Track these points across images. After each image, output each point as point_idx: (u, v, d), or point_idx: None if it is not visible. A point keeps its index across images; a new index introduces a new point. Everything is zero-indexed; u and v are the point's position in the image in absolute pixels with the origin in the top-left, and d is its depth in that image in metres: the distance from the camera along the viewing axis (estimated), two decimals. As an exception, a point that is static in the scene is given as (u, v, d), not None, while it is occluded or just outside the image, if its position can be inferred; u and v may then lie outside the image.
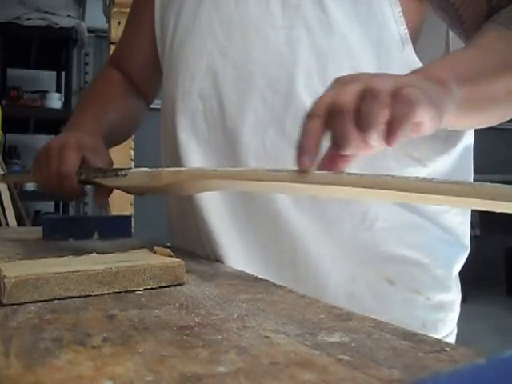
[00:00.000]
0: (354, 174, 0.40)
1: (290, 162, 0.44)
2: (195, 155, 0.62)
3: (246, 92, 0.59)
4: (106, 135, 0.73)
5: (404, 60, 0.57)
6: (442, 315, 0.61)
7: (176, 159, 0.63)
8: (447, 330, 0.62)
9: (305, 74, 0.57)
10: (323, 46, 0.57)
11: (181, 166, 0.61)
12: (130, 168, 0.55)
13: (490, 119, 0.54)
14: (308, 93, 0.57)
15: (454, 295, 0.63)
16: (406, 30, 0.57)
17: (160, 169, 0.51)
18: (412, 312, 0.59)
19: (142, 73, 0.82)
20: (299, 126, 0.42)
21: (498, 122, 0.55)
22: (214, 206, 0.60)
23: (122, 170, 0.54)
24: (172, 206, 0.70)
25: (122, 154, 1.31)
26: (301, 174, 0.41)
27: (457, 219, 0.62)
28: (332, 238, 0.58)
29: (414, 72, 0.46)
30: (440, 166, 0.60)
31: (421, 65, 0.56)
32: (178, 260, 0.43)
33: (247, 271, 0.52)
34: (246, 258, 0.59)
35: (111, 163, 0.68)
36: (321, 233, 0.58)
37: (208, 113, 0.62)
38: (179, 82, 0.65)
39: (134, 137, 1.26)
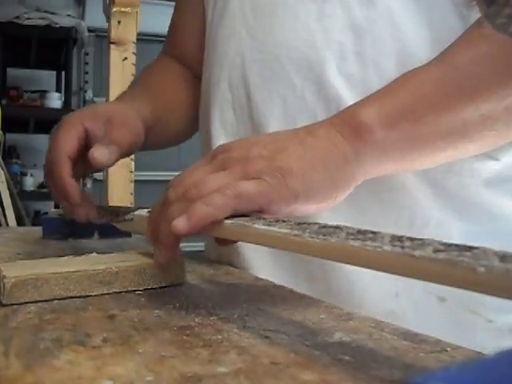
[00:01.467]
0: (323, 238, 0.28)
1: None
2: None
3: (272, 79, 0.53)
4: (154, 122, 0.62)
5: (463, 27, 0.45)
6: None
7: None
8: None
9: (338, 54, 0.50)
10: (361, 20, 0.50)
11: None
12: (136, 209, 0.54)
13: (470, 149, 0.45)
14: (342, 76, 0.50)
15: None
16: None
17: None
18: (467, 336, 0.45)
19: (197, 55, 0.68)
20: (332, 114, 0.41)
21: (492, 147, 0.47)
22: None
23: (128, 212, 0.54)
24: None
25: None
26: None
27: None
28: None
29: (336, 116, 0.42)
30: None
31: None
32: (178, 259, 0.43)
33: (275, 281, 0.47)
34: (274, 268, 0.53)
35: (132, 140, 0.56)
36: None
37: (236, 104, 0.56)
38: (212, 70, 0.59)
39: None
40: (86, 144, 0.55)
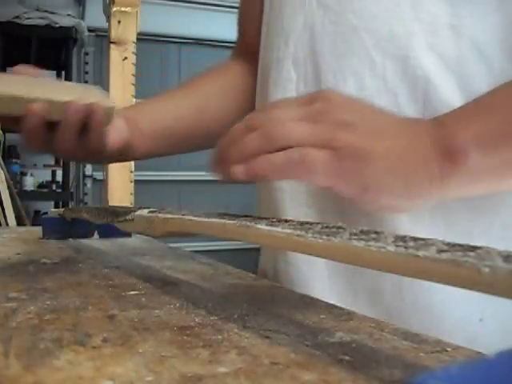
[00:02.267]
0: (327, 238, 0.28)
1: None
2: None
3: (346, 54, 0.46)
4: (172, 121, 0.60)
5: None
6: None
7: None
8: None
9: (428, 27, 0.43)
10: None
11: None
12: (136, 210, 0.54)
13: None
14: (432, 53, 0.43)
15: None
16: None
17: (155, 214, 0.48)
18: None
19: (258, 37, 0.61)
20: (419, 100, 0.37)
21: None
22: None
23: (129, 212, 0.54)
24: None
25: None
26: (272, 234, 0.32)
27: None
28: None
29: (436, 124, 0.36)
30: None
31: None
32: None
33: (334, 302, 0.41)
34: (332, 289, 0.48)
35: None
36: None
37: (301, 83, 0.49)
38: (274, 46, 0.53)
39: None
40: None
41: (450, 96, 0.43)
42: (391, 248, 0.24)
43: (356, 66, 0.46)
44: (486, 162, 0.35)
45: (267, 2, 0.56)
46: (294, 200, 0.49)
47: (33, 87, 0.48)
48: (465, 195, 0.39)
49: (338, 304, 0.39)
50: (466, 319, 0.44)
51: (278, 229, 0.31)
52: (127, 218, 0.54)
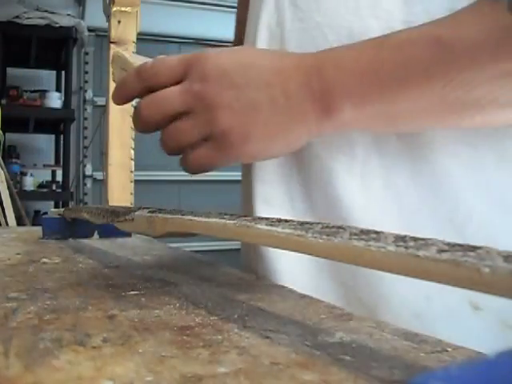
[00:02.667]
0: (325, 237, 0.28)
1: None
2: None
3: (311, 48, 0.47)
4: None
5: None
6: None
7: None
8: None
9: (384, 24, 0.44)
10: None
11: None
12: (137, 210, 0.54)
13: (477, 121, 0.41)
14: None
15: None
16: None
17: (155, 214, 0.48)
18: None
19: None
20: None
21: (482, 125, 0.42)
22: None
23: (129, 212, 0.54)
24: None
25: (122, 154, 1.31)
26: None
27: None
28: None
29: (316, 73, 0.39)
30: None
31: None
32: None
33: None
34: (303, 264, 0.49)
35: None
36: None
37: None
38: (249, 42, 0.55)
39: (133, 137, 1.25)
40: None
41: None
42: (391, 248, 0.24)
43: None
44: (362, 117, 0.39)
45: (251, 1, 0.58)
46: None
47: None
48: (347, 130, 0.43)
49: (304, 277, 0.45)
50: (413, 296, 0.45)
51: (278, 229, 0.31)
52: (127, 217, 0.54)
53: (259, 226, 0.33)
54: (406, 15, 0.44)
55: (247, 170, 0.53)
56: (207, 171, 0.44)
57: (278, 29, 0.51)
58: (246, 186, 0.54)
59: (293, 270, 0.49)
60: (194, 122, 0.41)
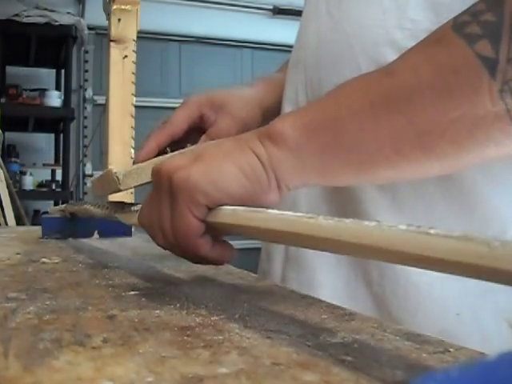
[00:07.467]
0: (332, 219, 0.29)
1: None
2: None
3: (342, 61, 0.49)
4: None
5: None
6: None
7: None
8: None
9: (410, 34, 0.44)
10: None
11: None
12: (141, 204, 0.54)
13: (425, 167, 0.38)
14: None
15: None
16: None
17: None
18: None
19: None
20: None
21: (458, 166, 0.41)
22: None
23: (136, 204, 0.54)
24: None
25: (122, 153, 1.31)
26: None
27: None
28: None
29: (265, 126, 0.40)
30: None
31: None
32: None
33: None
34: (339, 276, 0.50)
35: (239, 128, 0.55)
36: None
37: (308, 85, 0.53)
38: (294, 49, 0.57)
39: (134, 136, 1.25)
40: (199, 127, 0.56)
41: None
42: (402, 227, 0.25)
43: (347, 72, 0.47)
44: (308, 146, 0.37)
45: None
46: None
47: None
48: (307, 182, 0.40)
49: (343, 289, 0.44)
50: (442, 312, 0.45)
51: (289, 213, 0.32)
52: (132, 209, 0.53)
53: (270, 210, 0.33)
54: (432, 24, 0.42)
55: None
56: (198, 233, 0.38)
57: (315, 37, 0.52)
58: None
59: (332, 282, 0.49)
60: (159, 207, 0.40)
